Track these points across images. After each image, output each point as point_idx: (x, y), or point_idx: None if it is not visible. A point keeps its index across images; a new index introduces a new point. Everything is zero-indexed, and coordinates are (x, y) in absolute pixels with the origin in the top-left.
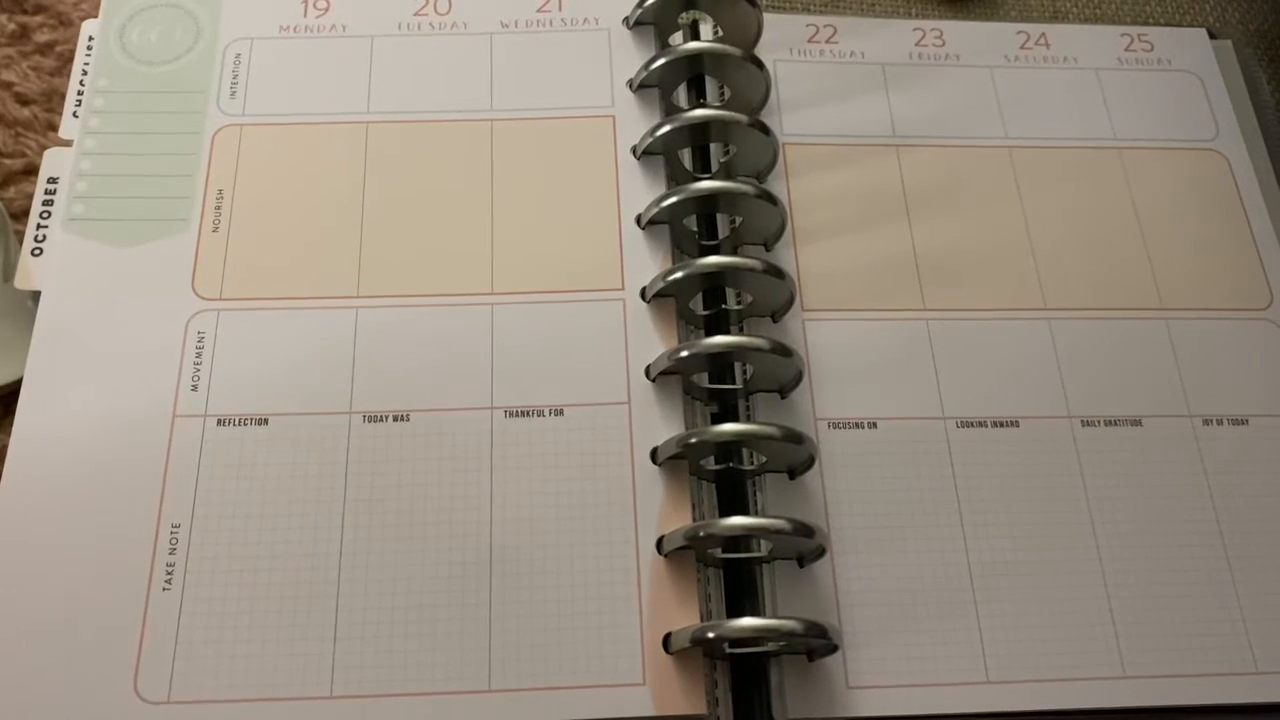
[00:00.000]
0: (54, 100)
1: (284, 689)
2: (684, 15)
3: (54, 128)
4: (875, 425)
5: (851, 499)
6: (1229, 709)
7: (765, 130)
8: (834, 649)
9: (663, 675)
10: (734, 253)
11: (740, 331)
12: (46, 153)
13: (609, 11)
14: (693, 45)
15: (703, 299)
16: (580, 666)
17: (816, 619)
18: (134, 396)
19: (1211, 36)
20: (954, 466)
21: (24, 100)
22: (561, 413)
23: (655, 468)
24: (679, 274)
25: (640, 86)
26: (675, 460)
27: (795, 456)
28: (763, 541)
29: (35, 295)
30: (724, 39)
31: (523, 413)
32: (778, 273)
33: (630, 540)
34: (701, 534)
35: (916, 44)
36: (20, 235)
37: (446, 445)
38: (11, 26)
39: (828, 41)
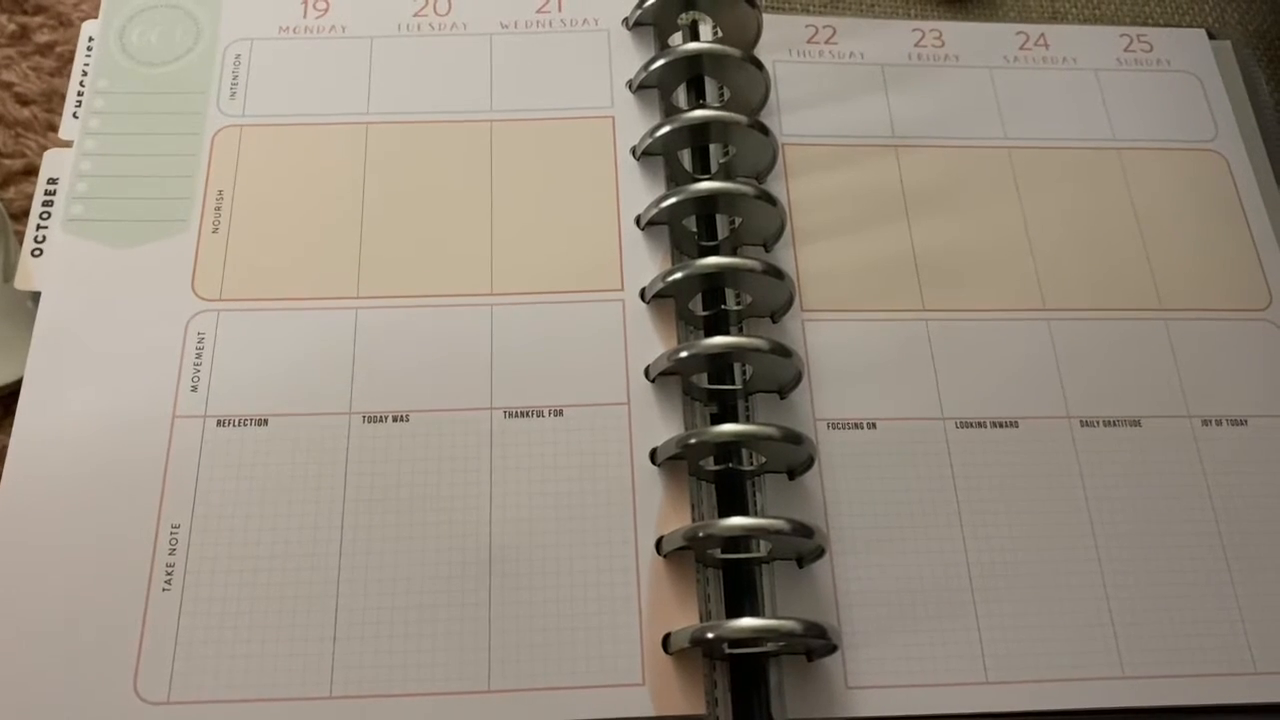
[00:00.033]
0: (54, 101)
1: (284, 689)
2: (683, 16)
3: (54, 128)
4: (874, 426)
5: (851, 499)
6: (1228, 709)
7: (765, 131)
8: (833, 649)
9: (662, 675)
10: (733, 253)
11: (740, 332)
12: (46, 153)
13: (608, 12)
14: (692, 46)
15: (702, 299)
16: (580, 667)
17: (816, 619)
18: (134, 397)
19: (1211, 37)
20: (953, 467)
21: (24, 101)
22: (561, 413)
23: (655, 468)
24: (678, 274)
25: (640, 87)
26: (675, 461)
27: (794, 457)
28: (762, 542)
29: (35, 296)
30: (723, 40)
31: (522, 413)
32: (777, 273)
33: (630, 540)
34: (701, 534)
35: (916, 45)
36: (20, 236)
37: (446, 445)
38: (11, 27)
39: (827, 42)
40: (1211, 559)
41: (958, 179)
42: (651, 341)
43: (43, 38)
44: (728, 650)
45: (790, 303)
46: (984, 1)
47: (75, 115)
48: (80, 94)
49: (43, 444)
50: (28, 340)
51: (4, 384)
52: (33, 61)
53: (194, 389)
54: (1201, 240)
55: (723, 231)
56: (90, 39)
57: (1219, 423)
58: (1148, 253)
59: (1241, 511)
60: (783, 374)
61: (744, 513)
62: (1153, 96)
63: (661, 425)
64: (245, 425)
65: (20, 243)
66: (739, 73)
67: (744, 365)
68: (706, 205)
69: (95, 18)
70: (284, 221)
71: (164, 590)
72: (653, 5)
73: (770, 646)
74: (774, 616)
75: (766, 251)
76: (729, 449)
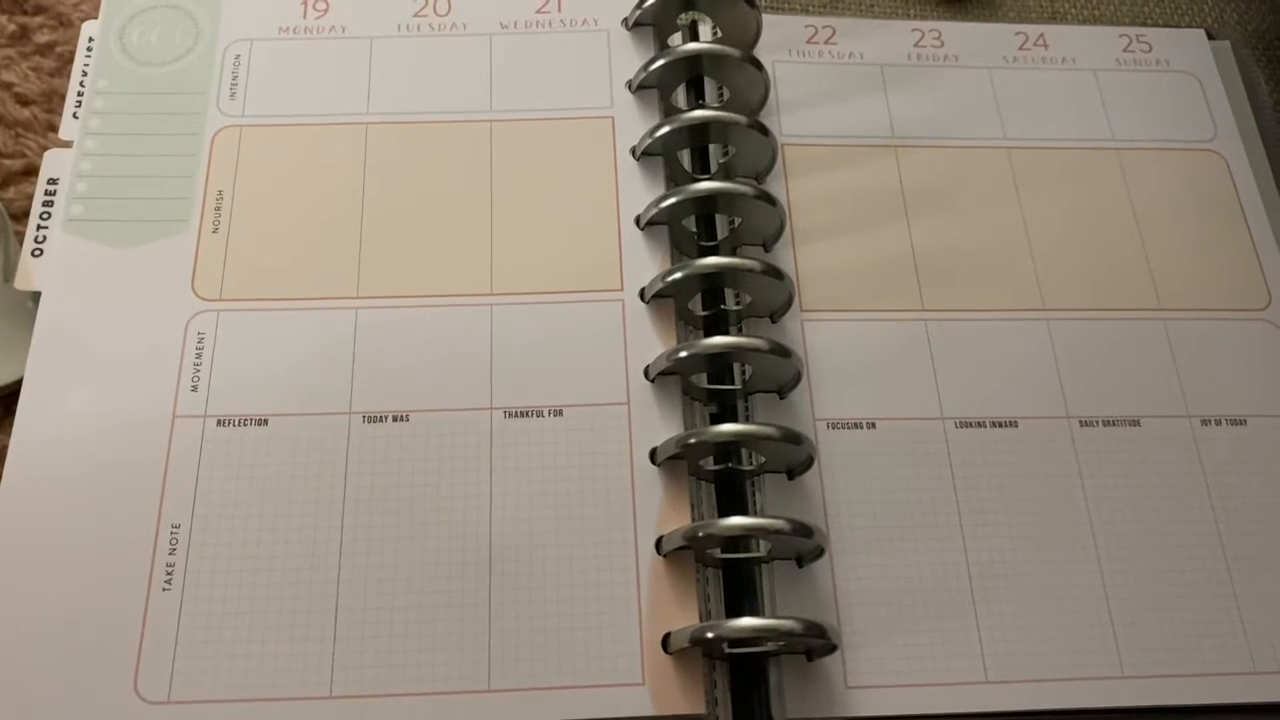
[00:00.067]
0: (54, 101)
1: (284, 689)
2: (683, 16)
3: (54, 128)
4: (874, 425)
5: (850, 499)
6: (1227, 709)
7: (764, 131)
8: (833, 649)
9: (662, 675)
10: (733, 253)
11: (739, 332)
12: (46, 154)
13: (608, 12)
14: (692, 46)
15: (702, 299)
16: (579, 666)
17: (815, 619)
18: (134, 397)
19: (1210, 37)
20: (953, 467)
21: (24, 101)
22: (561, 413)
23: (654, 468)
24: (678, 274)
25: (639, 87)
26: (674, 460)
27: (794, 457)
28: (762, 541)
29: (35, 296)
30: (723, 40)
31: (522, 413)
32: (776, 273)
33: (629, 540)
34: (700, 534)
35: (915, 45)
36: (20, 236)
37: (446, 445)
38: (12, 27)
39: (826, 42)
40: (1211, 559)
41: (957, 179)
42: (651, 341)
43: (43, 38)
44: (727, 650)
45: (790, 303)
46: (983, 2)
47: (75, 115)
48: (80, 94)
49: (43, 444)
50: (28, 340)
51: (4, 384)
52: (33, 62)
53: (194, 389)
54: (1201, 240)
55: (722, 231)
56: (90, 39)
57: (1218, 422)
58: (1147, 253)
59: (1241, 511)
60: (782, 374)
61: (743, 512)
62: (1152, 97)
63: (661, 425)
64: (245, 425)
65: (20, 243)
66: (738, 73)
67: (743, 365)
68: (706, 205)
69: (95, 18)
70: (284, 221)
71: (164, 590)
72: (652, 5)
73: (770, 646)
74: (774, 616)
75: (766, 251)
76: (728, 449)
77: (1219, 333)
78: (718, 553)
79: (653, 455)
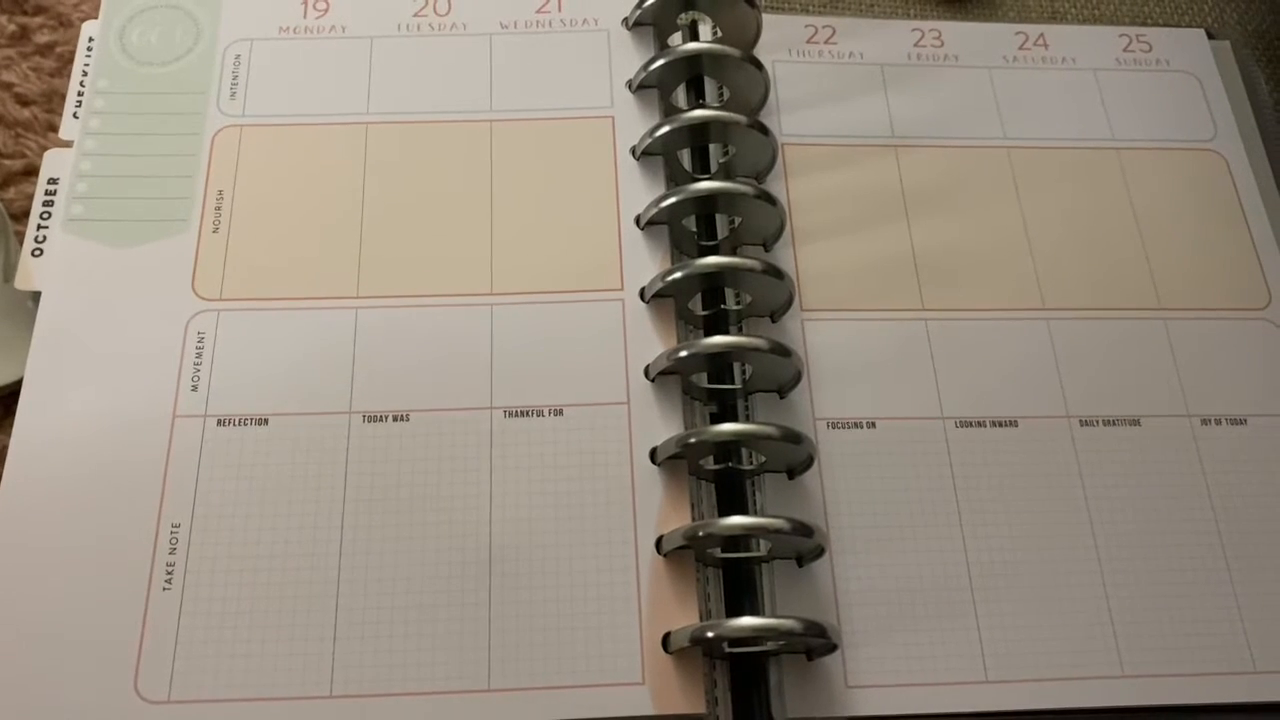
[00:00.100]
0: (54, 101)
1: (284, 689)
2: (683, 16)
3: (54, 128)
4: (874, 425)
5: (850, 499)
6: (1227, 708)
7: (764, 131)
8: (833, 648)
9: (662, 675)
10: (733, 253)
11: (739, 331)
12: (46, 153)
13: (608, 12)
14: (692, 46)
15: (702, 299)
16: (580, 666)
17: (815, 618)
18: (134, 397)
19: (1210, 37)
20: (953, 466)
21: (24, 101)
22: (561, 413)
23: (654, 467)
24: (678, 274)
25: (639, 87)
26: (674, 460)
27: (794, 456)
28: (762, 541)
29: (35, 296)
30: (723, 40)
31: (522, 413)
32: (777, 273)
33: (629, 540)
34: (701, 533)
35: (915, 45)
36: (20, 236)
37: (446, 445)
38: (12, 27)
39: (826, 42)
40: (1211, 558)
41: (957, 179)
42: (651, 341)
43: (43, 38)
44: (728, 649)
45: (790, 302)
46: (983, 1)
47: (75, 115)
48: (80, 94)
49: (43, 444)
50: (28, 340)
51: (4, 384)
52: (33, 62)
53: (194, 389)
54: (1201, 240)
55: (722, 231)
56: (90, 39)
57: (1218, 422)
58: (1147, 252)
59: (1241, 510)
60: (782, 373)
61: (744, 512)
62: (1152, 96)
63: (661, 425)
64: (245, 425)
65: (20, 243)
66: (738, 73)
67: (743, 365)
68: (706, 205)
69: (95, 18)
70: (284, 221)
71: (164, 590)
72: (652, 5)
73: (770, 645)
74: (774, 615)
75: (766, 251)
76: (729, 448)
77: (1219, 332)
78: (718, 552)
79: (653, 455)
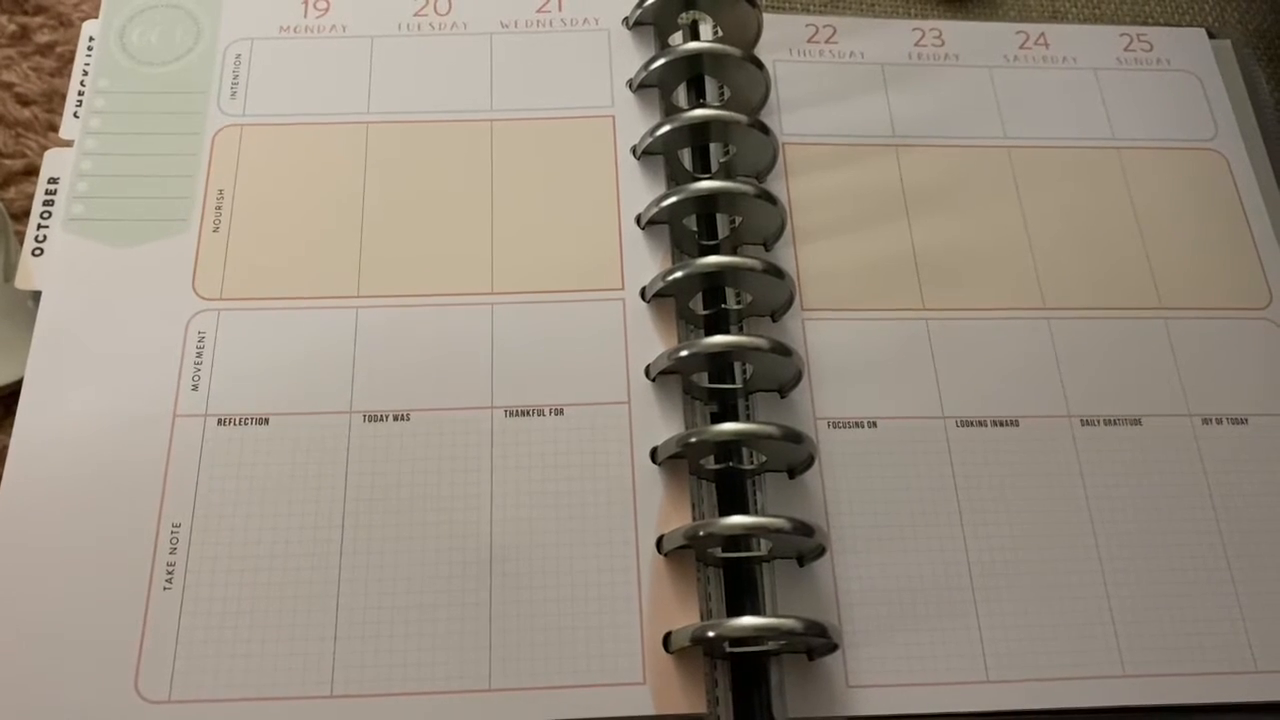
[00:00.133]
0: (54, 101)
1: (284, 688)
2: (684, 15)
3: (54, 128)
4: (875, 425)
5: (851, 498)
6: (1228, 708)
7: (765, 130)
8: (834, 648)
9: (663, 674)
10: (734, 252)
11: (740, 331)
12: (47, 153)
13: (609, 12)
14: (692, 45)
15: (702, 299)
16: (580, 666)
17: (816, 618)
18: (134, 396)
19: (1210, 36)
20: (954, 466)
21: (24, 101)
22: (561, 412)
23: (655, 467)
24: (679, 274)
25: (640, 86)
26: (675, 460)
27: (795, 456)
28: (763, 541)
29: (36, 295)
30: (724, 39)
31: (523, 412)
32: (777, 272)
33: (630, 540)
34: (701, 533)
35: (916, 44)
36: (21, 236)
37: (446, 445)
38: (12, 27)
39: (827, 41)
40: (1212, 557)
41: (958, 178)
42: (652, 340)
43: (43, 38)
44: (729, 649)
45: (790, 302)
46: (984, 1)
47: (76, 115)
48: (81, 94)
49: (43, 444)
50: (28, 340)
51: (4, 384)
52: (33, 62)
53: (195, 388)
54: (1201, 239)
55: (723, 231)
56: (90, 39)
57: (1219, 421)
58: (1148, 252)
59: (1242, 510)
60: (783, 373)
61: (744, 511)
62: (1153, 96)
63: (662, 424)
64: (246, 424)
65: (21, 243)
66: (739, 72)
67: (744, 364)
68: (707, 204)
69: (95, 18)
70: (284, 221)
71: (165, 589)
72: (653, 5)
73: (771, 645)
74: (775, 615)
75: (767, 251)
76: (729, 448)
77: (1220, 331)
78: (719, 552)
79: (653, 454)
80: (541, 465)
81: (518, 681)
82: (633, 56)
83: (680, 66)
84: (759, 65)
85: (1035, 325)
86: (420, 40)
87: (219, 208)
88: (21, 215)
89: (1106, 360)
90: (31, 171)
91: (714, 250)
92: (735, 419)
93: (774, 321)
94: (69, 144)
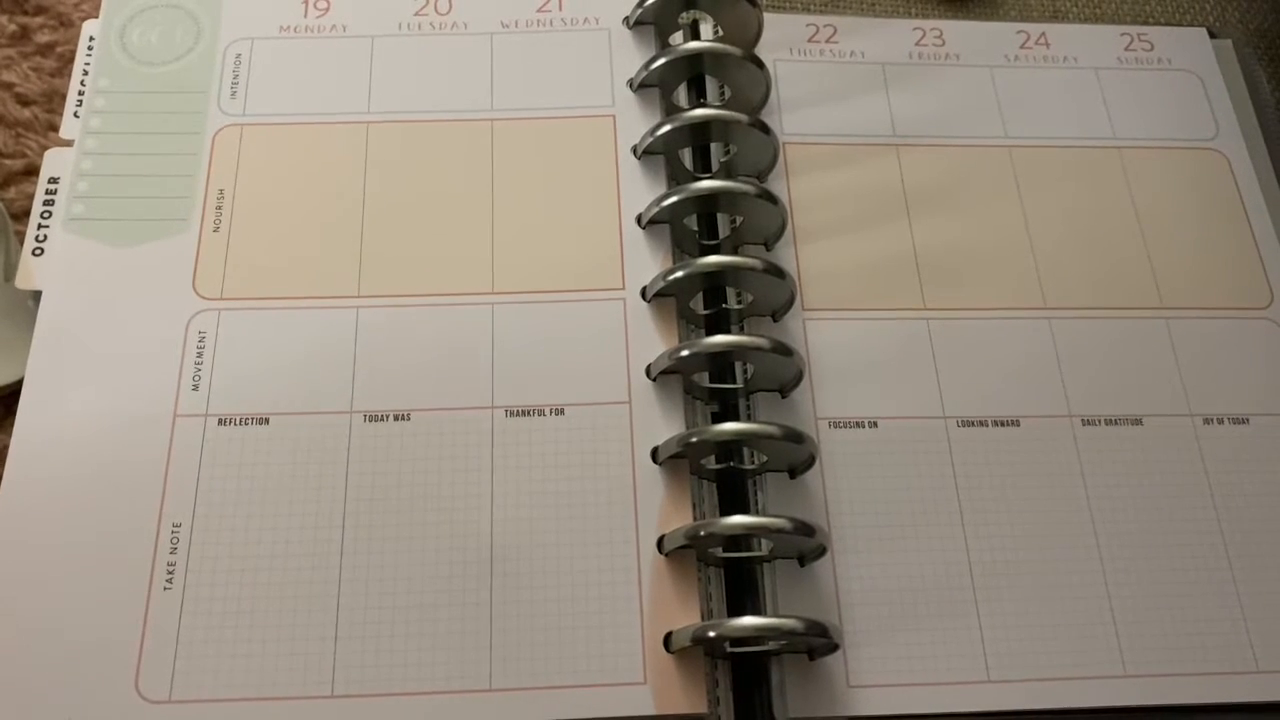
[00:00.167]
0: (55, 101)
1: (285, 688)
2: (684, 15)
3: (55, 128)
4: (876, 425)
5: (852, 498)
6: (1230, 708)
7: (765, 130)
8: (835, 648)
9: (664, 674)
10: (734, 252)
11: (741, 331)
12: (47, 153)
13: (609, 11)
14: (693, 45)
15: (703, 298)
16: (581, 666)
17: (817, 618)
18: (135, 396)
19: (1211, 36)
20: (954, 466)
21: (25, 101)
22: (562, 412)
23: (656, 467)
24: (679, 273)
25: (640, 86)
26: (676, 459)
27: (796, 456)
28: (763, 540)
29: (36, 295)
30: (724, 39)
31: (523, 412)
32: (778, 272)
33: (631, 539)
34: (702, 533)
35: (916, 44)
36: (21, 235)
37: (447, 445)
38: (12, 27)
39: (828, 41)
40: (1213, 557)
41: (958, 178)
42: (652, 340)
43: (43, 38)
44: (729, 649)
45: (791, 301)
46: (985, 1)
47: (76, 115)
48: (81, 94)
49: (44, 444)
50: (28, 340)
51: (5, 384)
52: (33, 62)
53: (195, 388)
54: (1202, 239)
55: (724, 230)
56: (91, 39)
57: (1220, 421)
58: (1149, 251)
59: (1243, 510)
60: (784, 373)
61: (745, 511)
62: (1153, 95)
63: (663, 424)
64: (246, 424)
65: (21, 242)
66: (740, 72)
67: (745, 364)
68: (707, 204)
69: (96, 18)
70: (285, 220)
71: (165, 589)
72: (653, 4)
73: (772, 645)
74: (775, 615)
75: (767, 250)
76: (730, 448)
77: (1221, 331)
78: (719, 552)
79: (654, 454)
80: (542, 465)
81: (518, 681)
82: (633, 56)
83: (681, 66)
84: (759, 65)
85: (1036, 325)
86: (420, 40)
87: (219, 207)
88: (22, 215)
89: (1107, 360)
90: (32, 171)
91: (715, 250)
92: (736, 419)
93: (775, 321)
94: (69, 144)
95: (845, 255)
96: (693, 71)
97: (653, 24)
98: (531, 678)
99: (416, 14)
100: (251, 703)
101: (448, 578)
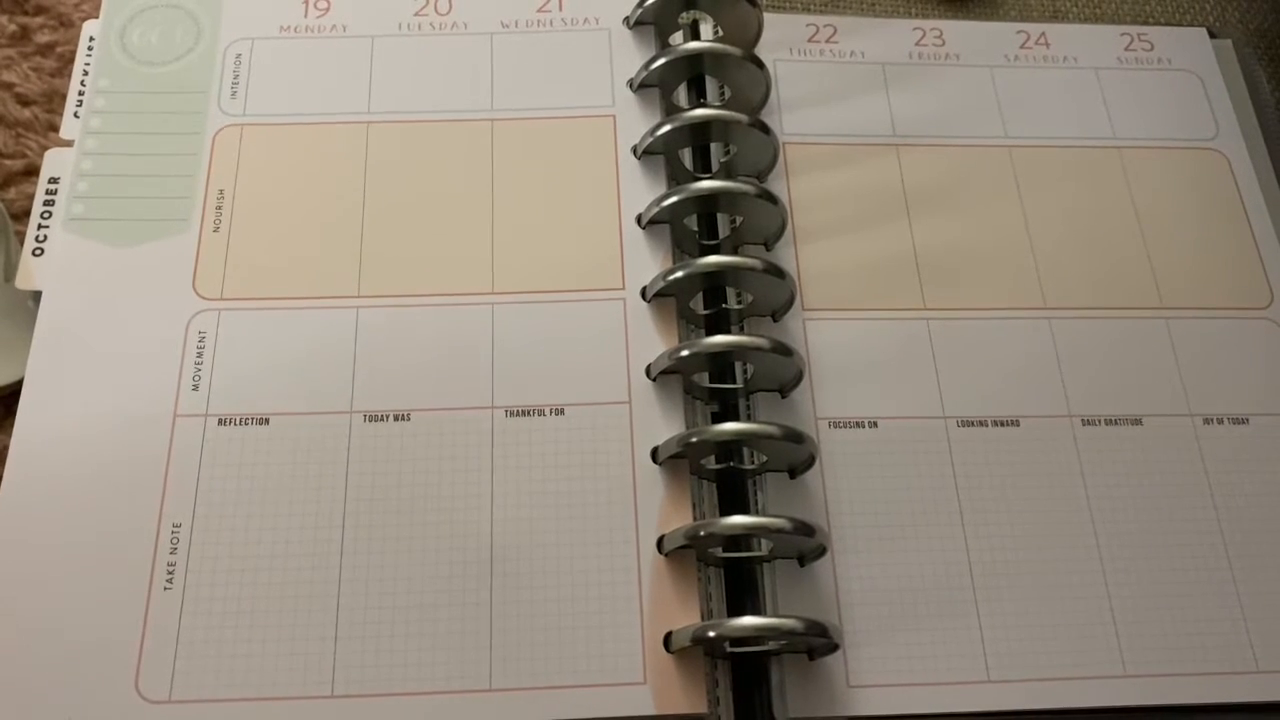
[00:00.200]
0: (55, 101)
1: (285, 688)
2: (684, 15)
3: (55, 128)
4: (876, 425)
5: (852, 498)
6: (1230, 707)
7: (765, 130)
8: (834, 648)
9: (664, 674)
10: (734, 252)
11: (740, 331)
12: (47, 153)
13: (609, 11)
14: (693, 45)
15: (703, 298)
16: (581, 666)
17: (817, 618)
18: (135, 396)
19: (1211, 36)
20: (954, 466)
21: (25, 101)
22: (562, 412)
23: (656, 467)
24: (679, 273)
25: (641, 86)
26: (676, 459)
27: (796, 456)
28: (763, 540)
29: (36, 295)
30: (724, 39)
31: (523, 412)
32: (778, 272)
33: (631, 539)
34: (702, 533)
35: (916, 44)
36: (21, 236)
37: (447, 445)
38: (12, 27)
39: (828, 41)
40: (1213, 557)
41: (958, 178)
42: (652, 340)
43: (43, 38)
44: (729, 649)
45: (791, 302)
46: (985, 1)
47: (76, 115)
48: (81, 94)
49: (44, 443)
50: (29, 340)
51: (5, 384)
52: (33, 62)
53: (195, 388)
54: (1202, 239)
55: (724, 230)
56: (91, 39)
57: (1220, 421)
58: (1149, 251)
59: (1243, 510)
60: (784, 373)
61: (745, 511)
62: (1153, 95)
63: (662, 424)
64: (246, 424)
65: (21, 242)
66: (740, 72)
67: (745, 364)
68: (707, 204)
69: (96, 18)
70: (285, 220)
71: (165, 589)
72: (653, 4)
73: (772, 645)
74: (775, 615)
75: (767, 250)
76: (730, 448)
77: (1221, 331)
78: (719, 552)
79: (654, 454)
80: (542, 465)
81: (518, 681)
82: (633, 56)
83: (681, 66)
84: (759, 65)
85: (1036, 325)
86: (420, 40)
87: (219, 207)
88: (22, 215)
89: (1107, 360)
90: (32, 171)
91: (715, 250)
92: (736, 419)
93: (775, 321)
94: (69, 144)
95: (845, 255)
96: (693, 72)
97: (653, 24)
98: (531, 678)
99: (416, 14)
100: (251, 703)
101: (448, 578)
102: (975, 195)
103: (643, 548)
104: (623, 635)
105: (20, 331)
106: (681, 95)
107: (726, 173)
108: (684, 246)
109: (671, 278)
